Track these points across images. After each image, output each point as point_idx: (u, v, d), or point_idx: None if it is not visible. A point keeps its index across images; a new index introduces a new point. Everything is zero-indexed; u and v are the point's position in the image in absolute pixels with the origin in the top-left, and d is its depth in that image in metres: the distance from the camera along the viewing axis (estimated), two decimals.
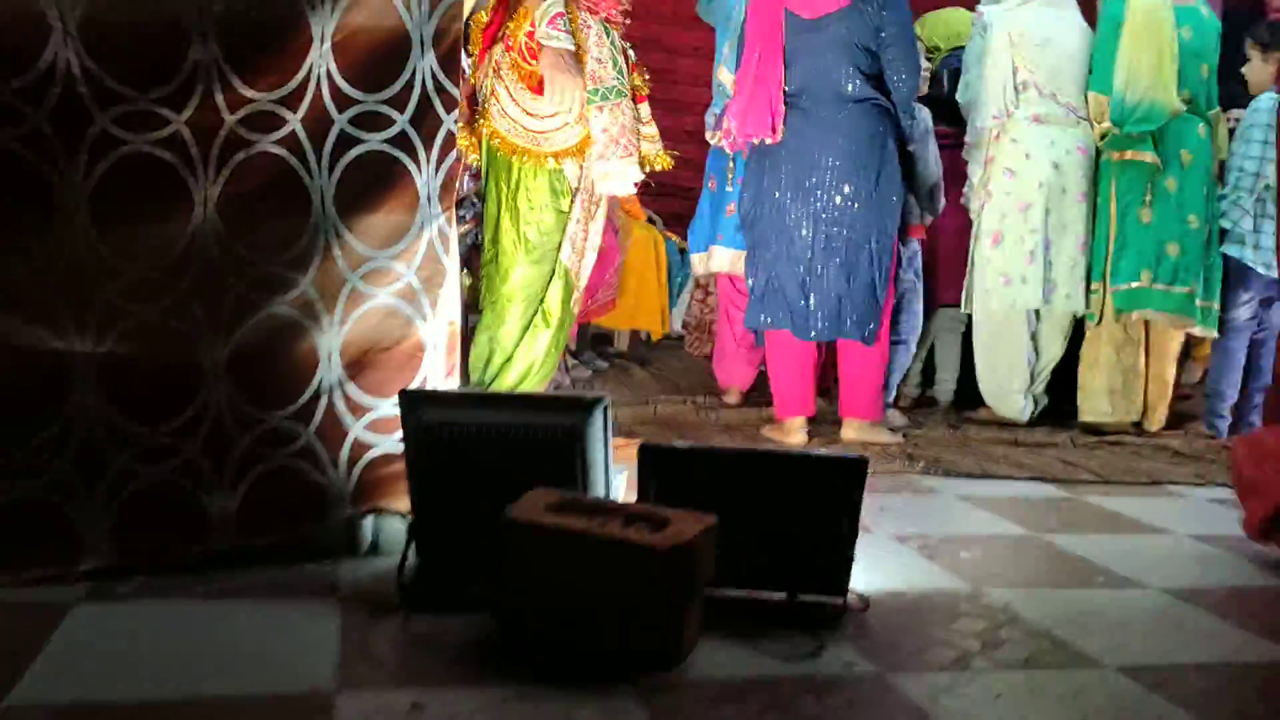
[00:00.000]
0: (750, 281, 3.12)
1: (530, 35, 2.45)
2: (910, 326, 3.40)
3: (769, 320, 3.05)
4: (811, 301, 2.98)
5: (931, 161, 3.30)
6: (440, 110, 1.70)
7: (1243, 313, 3.52)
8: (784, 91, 2.98)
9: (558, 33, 2.41)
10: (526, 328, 2.58)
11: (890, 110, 3.00)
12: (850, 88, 2.94)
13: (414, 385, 1.71)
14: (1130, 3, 3.37)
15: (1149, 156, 3.38)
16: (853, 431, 3.08)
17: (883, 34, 2.92)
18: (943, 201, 3.37)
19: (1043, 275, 3.43)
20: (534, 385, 2.61)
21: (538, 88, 2.48)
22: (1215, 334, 3.47)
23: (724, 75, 3.36)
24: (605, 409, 1.54)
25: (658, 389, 3.82)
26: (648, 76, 2.76)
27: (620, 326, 4.48)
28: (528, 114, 2.50)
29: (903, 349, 3.40)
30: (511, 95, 2.50)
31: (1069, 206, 3.38)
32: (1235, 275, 3.50)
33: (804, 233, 2.97)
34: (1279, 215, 3.40)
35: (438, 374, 1.74)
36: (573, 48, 2.44)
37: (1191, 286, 3.43)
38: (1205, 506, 2.54)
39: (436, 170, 1.70)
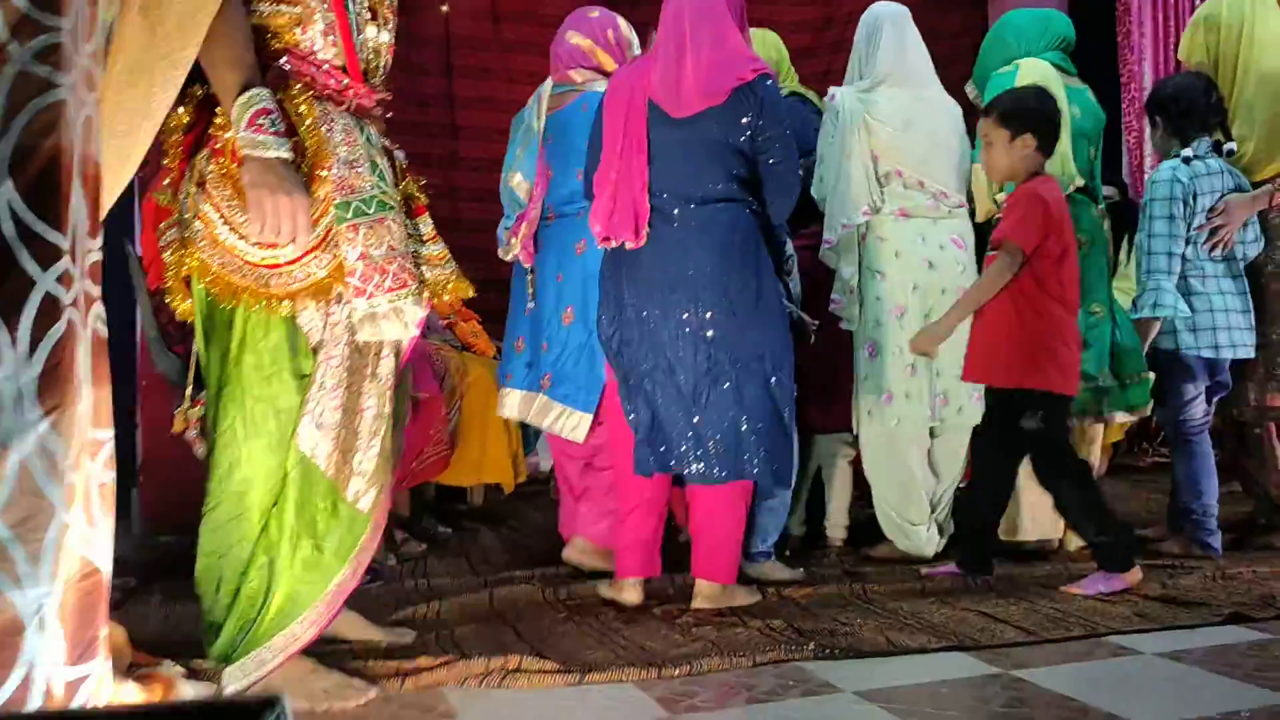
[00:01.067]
0: (631, 418, 2.61)
1: None
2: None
3: (656, 463, 2.56)
4: (701, 436, 2.51)
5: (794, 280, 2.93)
6: (29, 264, 1.12)
7: (1196, 410, 3.11)
8: (648, 191, 2.56)
9: (263, 136, 1.74)
10: (258, 543, 1.87)
11: (760, 215, 2.59)
12: (719, 189, 2.53)
13: (11, 684, 1.10)
14: (1020, 77, 3.05)
15: None
16: (706, 600, 2.55)
17: (760, 137, 2.53)
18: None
19: (929, 388, 3.01)
20: (297, 617, 1.88)
21: None
22: (1144, 412, 3.12)
23: (517, 181, 2.90)
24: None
25: (505, 560, 3.21)
26: (424, 182, 2.18)
27: (465, 483, 3.87)
28: (250, 242, 1.81)
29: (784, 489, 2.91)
30: (224, 217, 1.81)
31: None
32: (1177, 368, 3.12)
33: (681, 355, 2.50)
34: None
35: (55, 660, 1.14)
36: (288, 155, 1.78)
37: (1102, 379, 3.05)
38: (1168, 672, 2.04)
39: (30, 355, 1.12)
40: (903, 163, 3.04)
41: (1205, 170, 3.06)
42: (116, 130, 1.58)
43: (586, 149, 2.72)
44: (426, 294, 1.99)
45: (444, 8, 6.09)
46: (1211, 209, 3.03)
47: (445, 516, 3.84)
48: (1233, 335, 3.04)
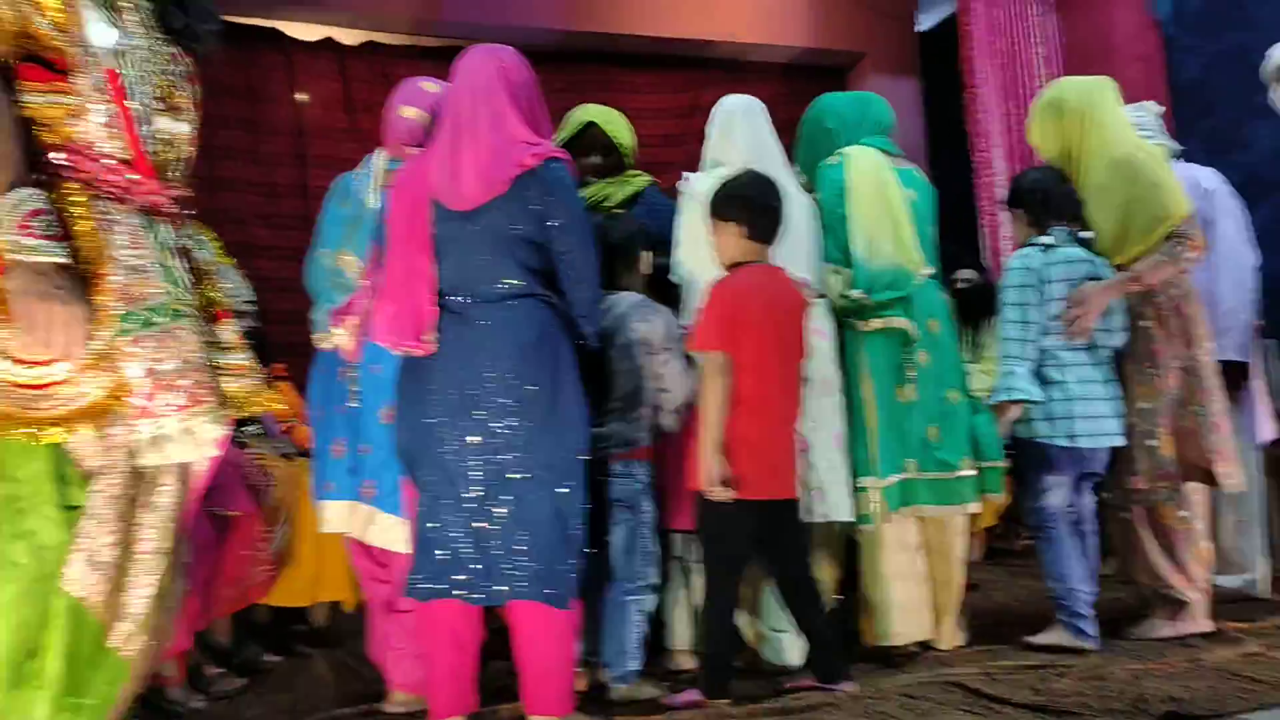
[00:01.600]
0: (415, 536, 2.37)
1: None
2: (650, 568, 2.71)
3: (430, 586, 2.29)
4: (487, 554, 2.27)
5: (670, 377, 2.72)
6: None
7: (1054, 499, 3.02)
8: (435, 292, 2.37)
9: (32, 240, 1.53)
10: (8, 704, 1.56)
11: (560, 309, 2.40)
12: (511, 283, 2.35)
13: None
14: (851, 166, 3.00)
15: (902, 323, 2.93)
16: None
17: (549, 224, 2.36)
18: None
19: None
20: None
21: None
22: (998, 499, 2.97)
23: (347, 260, 2.71)
24: None
25: (335, 695, 2.88)
26: (230, 285, 1.93)
27: (300, 603, 3.53)
28: (12, 359, 1.57)
29: (648, 598, 2.70)
30: None
31: (815, 399, 2.83)
32: (1034, 457, 3.03)
33: (468, 465, 2.28)
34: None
35: None
36: (62, 259, 1.55)
37: (960, 470, 2.94)
38: None
39: None
40: None
41: (1060, 258, 3.02)
42: None
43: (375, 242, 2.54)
44: (227, 410, 1.75)
45: (299, 97, 5.89)
46: (1069, 297, 2.99)
47: (280, 640, 3.49)
48: (1092, 424, 2.97)
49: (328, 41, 5.88)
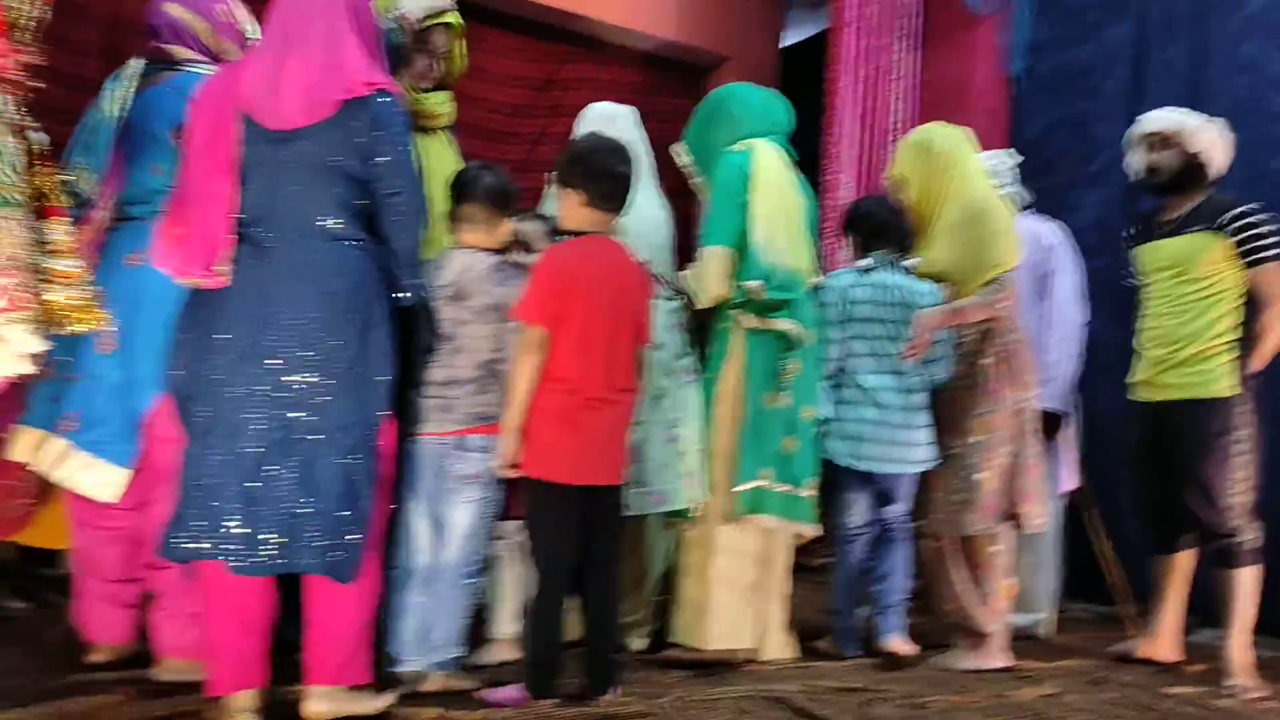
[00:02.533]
0: (179, 488, 2.10)
1: None
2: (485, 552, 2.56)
3: (193, 546, 2.05)
4: (258, 517, 2.04)
5: None
6: None
7: (850, 517, 3.10)
8: (233, 220, 2.11)
9: None
10: None
11: (376, 257, 2.19)
12: (325, 223, 2.12)
13: None
14: (758, 158, 2.93)
15: (789, 325, 2.87)
16: (321, 704, 2.12)
17: (376, 160, 2.14)
18: None
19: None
20: None
21: None
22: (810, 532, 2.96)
23: (79, 174, 2.39)
24: None
25: (87, 651, 2.53)
26: (70, 177, 1.62)
27: (55, 545, 3.10)
28: None
29: (477, 582, 2.55)
30: None
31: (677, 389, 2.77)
32: (832, 475, 3.11)
33: (251, 417, 2.05)
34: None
35: None
36: None
37: (810, 488, 2.90)
38: None
39: None
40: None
41: (871, 282, 3.10)
42: None
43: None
44: (50, 322, 1.45)
45: None
46: (913, 320, 3.03)
47: (25, 585, 3.07)
48: (884, 450, 3.04)
49: None
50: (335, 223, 2.13)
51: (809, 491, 2.93)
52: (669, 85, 6.63)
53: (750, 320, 2.88)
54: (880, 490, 3.10)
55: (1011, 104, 5.29)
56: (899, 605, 3.09)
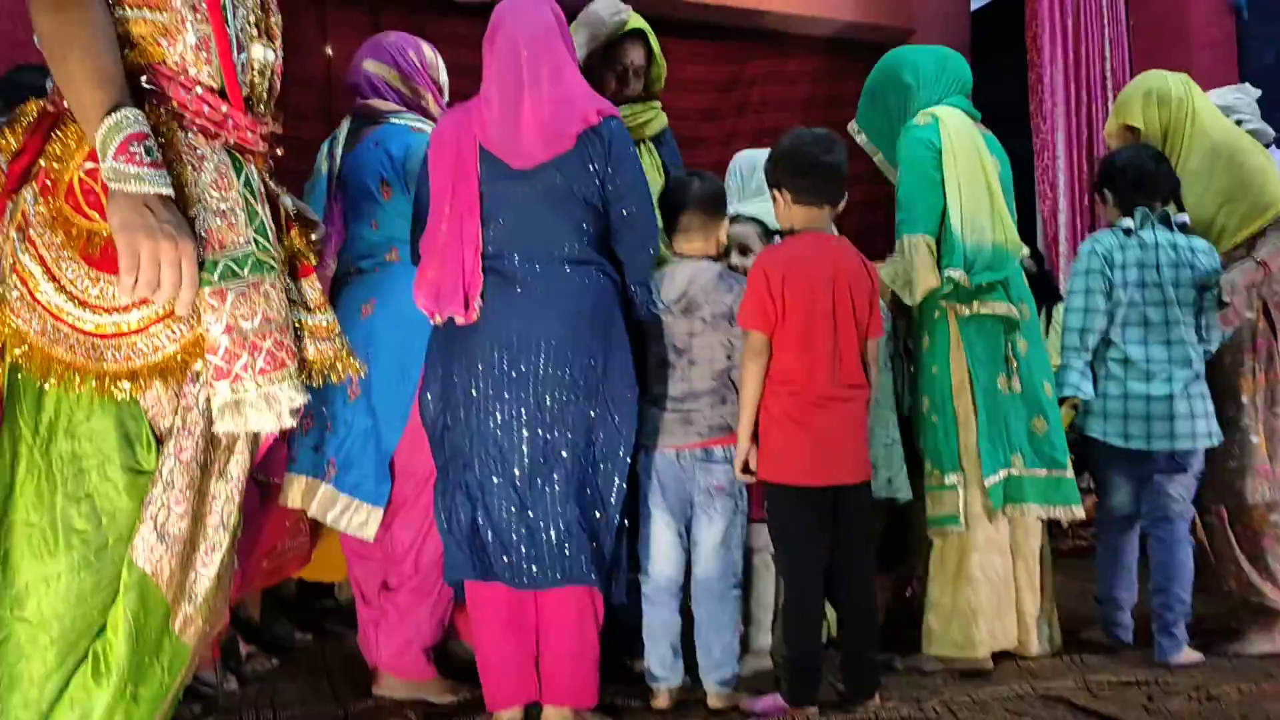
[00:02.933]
0: (443, 517, 2.23)
1: (91, 173, 1.37)
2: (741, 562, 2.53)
3: (479, 568, 2.17)
4: (529, 536, 2.14)
5: None
6: None
7: (1118, 500, 2.88)
8: (482, 255, 2.20)
9: (136, 168, 1.32)
10: (63, 688, 1.38)
11: (617, 280, 2.27)
12: (568, 249, 2.20)
13: None
14: (944, 128, 2.72)
15: (1005, 308, 2.70)
16: None
17: (611, 185, 2.21)
18: None
19: None
20: None
21: (101, 259, 1.37)
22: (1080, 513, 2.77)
23: None
24: None
25: (369, 677, 2.69)
26: (315, 237, 1.74)
27: (332, 578, 3.33)
28: (81, 303, 1.37)
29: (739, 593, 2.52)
30: (51, 272, 1.36)
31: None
32: (1094, 453, 2.89)
33: (516, 440, 2.15)
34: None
35: None
36: (167, 191, 1.35)
37: (1067, 468, 2.74)
38: None
39: None
40: None
41: (1138, 243, 2.83)
42: None
43: (415, 201, 2.36)
44: (315, 376, 1.56)
45: (328, 50, 5.65)
46: (1220, 284, 2.78)
47: (308, 618, 3.30)
48: (1155, 426, 2.76)
49: None
50: (577, 248, 2.21)
51: (1068, 472, 2.76)
52: (855, 68, 6.45)
53: (963, 308, 2.71)
54: (1152, 472, 2.82)
55: (1237, 35, 4.87)
56: (1181, 620, 2.73)
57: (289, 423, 1.47)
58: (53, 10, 1.35)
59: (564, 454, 2.15)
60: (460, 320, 2.19)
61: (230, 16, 1.50)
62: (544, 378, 2.15)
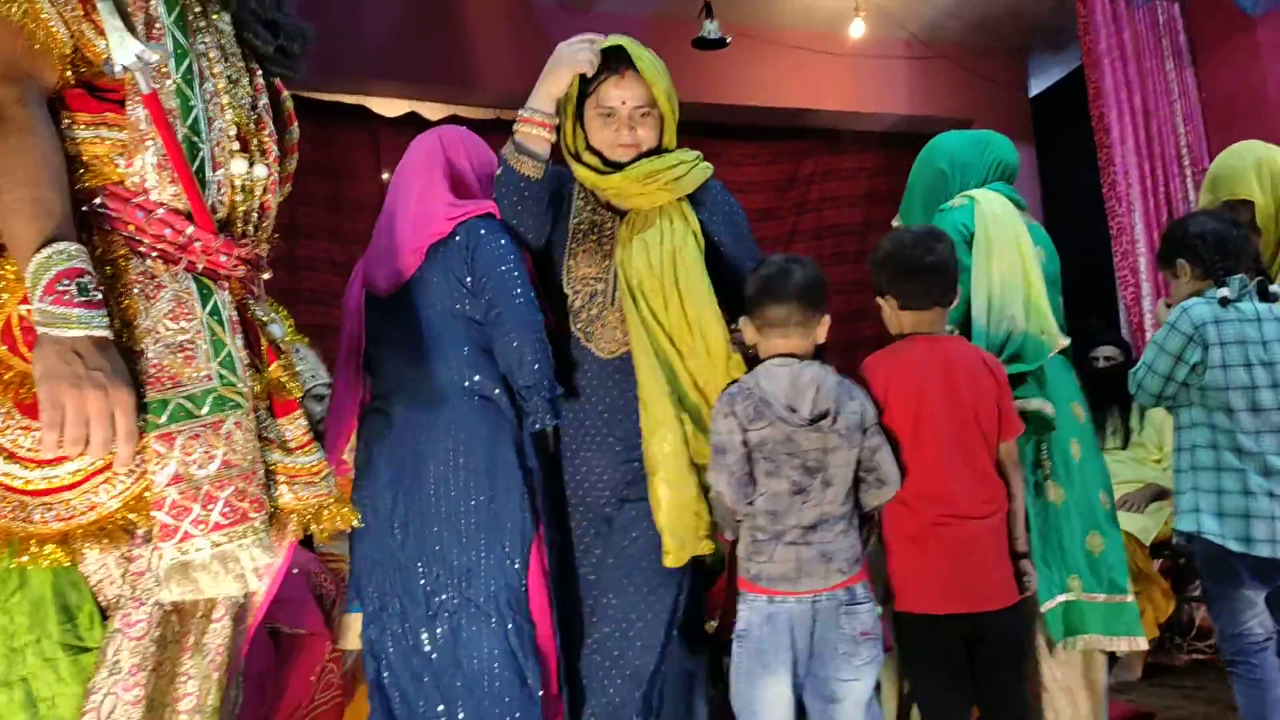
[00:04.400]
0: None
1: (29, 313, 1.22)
2: None
3: None
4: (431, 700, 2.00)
5: (885, 464, 2.15)
6: None
7: (1253, 619, 2.44)
8: (361, 402, 2.19)
9: (65, 309, 1.18)
10: None
11: (508, 400, 2.08)
12: (444, 376, 2.07)
13: None
14: (981, 211, 2.48)
15: (1039, 404, 2.38)
16: None
17: (475, 284, 2.04)
18: None
19: None
20: None
21: (33, 407, 1.20)
22: (1132, 643, 2.39)
23: None
24: None
25: None
26: (307, 367, 1.58)
27: None
28: (9, 456, 1.20)
29: None
30: None
31: None
32: (1208, 562, 2.48)
33: (410, 591, 2.03)
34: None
35: None
36: (102, 333, 1.20)
37: (1128, 592, 2.40)
38: None
39: None
40: None
41: (1235, 315, 2.46)
42: None
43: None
44: (290, 526, 1.38)
45: (384, 175, 5.68)
46: None
47: None
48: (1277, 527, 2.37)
49: (411, 116, 5.69)
50: (452, 374, 2.06)
51: (1129, 596, 2.40)
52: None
53: None
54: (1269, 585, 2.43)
55: None
56: None
57: (254, 586, 1.28)
58: None
59: (450, 605, 1.99)
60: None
61: (202, 130, 1.36)
62: (425, 525, 2.00)
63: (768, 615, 2.01)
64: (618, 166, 2.18)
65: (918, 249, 2.22)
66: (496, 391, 2.06)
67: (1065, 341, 2.49)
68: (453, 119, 5.73)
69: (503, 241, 2.07)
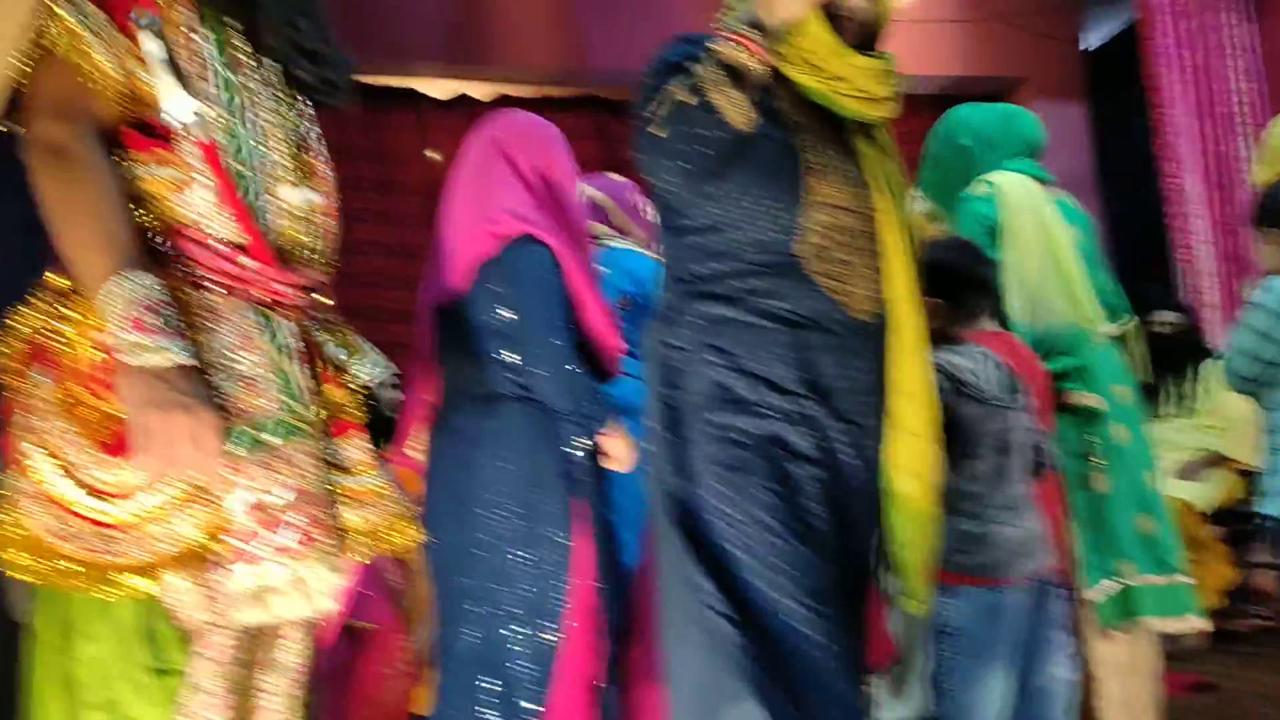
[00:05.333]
0: None
1: (103, 348, 1.26)
2: None
3: None
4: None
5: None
6: None
7: None
8: (427, 403, 2.29)
9: (149, 337, 1.22)
10: None
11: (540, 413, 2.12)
12: (485, 386, 2.14)
13: None
14: (1006, 200, 2.45)
15: (1090, 399, 2.40)
16: None
17: (520, 317, 2.10)
18: None
19: None
20: None
21: (115, 444, 1.25)
22: (1190, 622, 2.40)
23: None
24: None
25: None
26: (369, 385, 1.63)
27: None
28: (93, 492, 1.25)
29: None
30: (61, 461, 1.25)
31: None
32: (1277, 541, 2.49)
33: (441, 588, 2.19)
34: None
35: None
36: (185, 360, 1.25)
37: (1186, 572, 2.40)
38: None
39: None
40: None
41: None
42: None
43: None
44: (358, 549, 1.43)
45: (428, 153, 5.73)
46: None
47: None
48: None
49: (461, 98, 5.72)
50: (495, 386, 2.12)
51: (1183, 577, 2.40)
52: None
53: None
54: None
55: None
56: None
57: (326, 608, 1.34)
58: (55, 172, 1.28)
59: (468, 609, 2.07)
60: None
61: (252, 162, 1.40)
62: (462, 529, 2.08)
63: (987, 606, 1.92)
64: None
65: (966, 255, 2.22)
66: (535, 398, 2.12)
67: (1111, 328, 2.48)
68: (503, 100, 5.76)
69: (539, 268, 2.10)
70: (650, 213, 2.73)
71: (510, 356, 2.09)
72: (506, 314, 2.08)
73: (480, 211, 2.15)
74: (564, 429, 2.07)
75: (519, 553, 2.02)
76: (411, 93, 5.63)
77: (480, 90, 5.73)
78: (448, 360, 2.22)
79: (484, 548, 2.04)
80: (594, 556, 2.07)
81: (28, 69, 1.31)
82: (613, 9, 5.23)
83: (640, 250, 2.70)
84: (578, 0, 5.37)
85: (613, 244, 2.70)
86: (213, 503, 1.29)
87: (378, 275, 5.45)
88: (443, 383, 2.24)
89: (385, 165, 5.61)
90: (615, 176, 2.90)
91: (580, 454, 2.10)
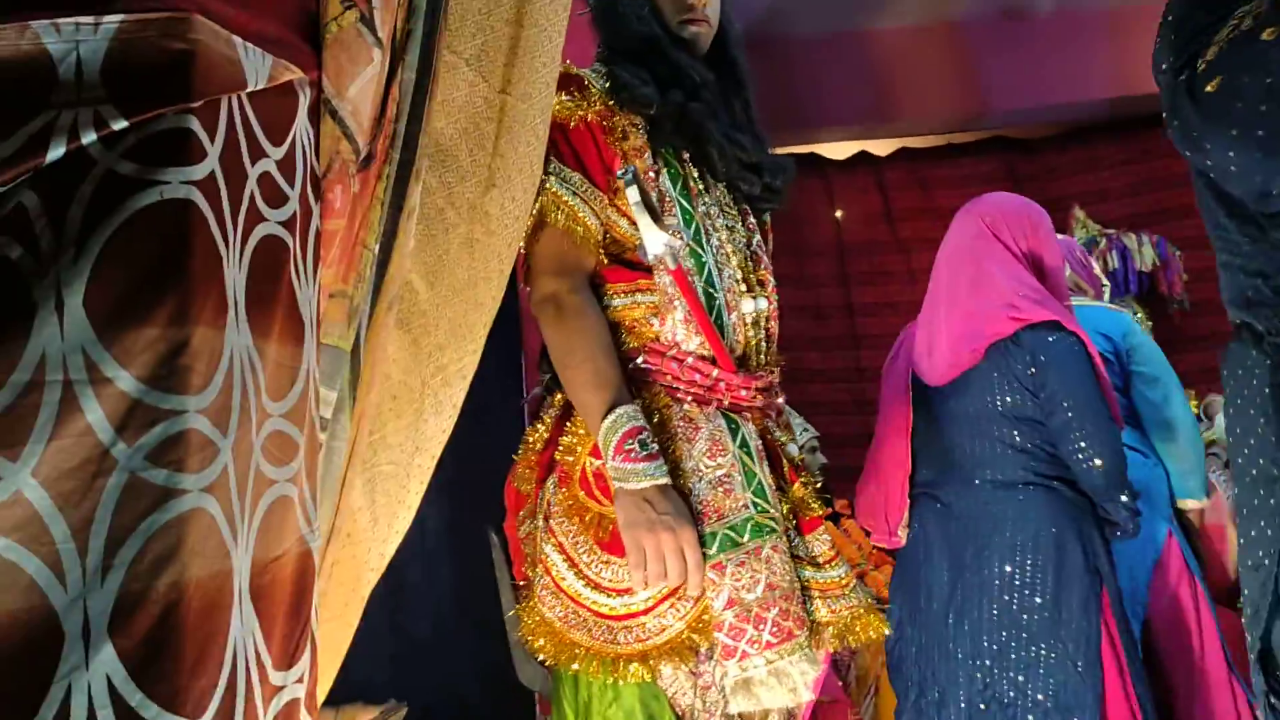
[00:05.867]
0: None
1: (597, 457, 1.46)
2: None
3: None
4: None
5: None
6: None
7: None
8: (911, 480, 2.24)
9: (633, 464, 1.39)
10: None
11: (1075, 500, 2.05)
12: (998, 470, 2.09)
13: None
14: None
15: None
16: None
17: (1040, 395, 2.04)
18: None
19: None
20: None
21: (611, 542, 1.43)
22: None
23: None
24: None
25: None
26: (819, 482, 1.69)
27: None
28: (595, 586, 1.42)
29: None
30: (570, 558, 1.44)
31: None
32: None
33: (954, 680, 2.10)
34: None
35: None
36: (663, 480, 1.40)
37: None
38: None
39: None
40: None
41: None
42: (380, 470, 1.28)
43: None
44: (826, 636, 1.50)
45: (837, 213, 5.81)
46: None
47: None
48: None
49: (861, 155, 5.77)
50: (1008, 468, 2.07)
51: None
52: None
53: None
54: None
55: None
56: None
57: (805, 698, 1.40)
58: (555, 322, 1.51)
59: (1011, 698, 1.97)
60: (889, 546, 2.25)
61: (716, 281, 1.54)
62: (980, 618, 2.03)
63: None
64: None
65: None
66: (1056, 484, 2.08)
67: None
68: (903, 152, 5.74)
69: (1077, 358, 2.06)
70: (1096, 268, 2.62)
71: (1033, 442, 2.07)
72: (1037, 400, 2.06)
73: (983, 294, 2.13)
74: (1114, 511, 2.03)
75: (1044, 646, 2.00)
76: (816, 157, 5.76)
77: (879, 147, 5.74)
78: (931, 435, 2.20)
79: (1005, 640, 2.02)
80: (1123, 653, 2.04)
81: (530, 236, 1.54)
82: (1014, 45, 5.01)
83: (1106, 306, 2.66)
84: (979, 42, 5.21)
85: (1080, 303, 2.58)
86: (695, 597, 1.42)
87: (796, 338, 5.58)
88: (927, 457, 2.22)
89: (796, 229, 5.77)
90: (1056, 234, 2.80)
91: (1103, 539, 2.08)
